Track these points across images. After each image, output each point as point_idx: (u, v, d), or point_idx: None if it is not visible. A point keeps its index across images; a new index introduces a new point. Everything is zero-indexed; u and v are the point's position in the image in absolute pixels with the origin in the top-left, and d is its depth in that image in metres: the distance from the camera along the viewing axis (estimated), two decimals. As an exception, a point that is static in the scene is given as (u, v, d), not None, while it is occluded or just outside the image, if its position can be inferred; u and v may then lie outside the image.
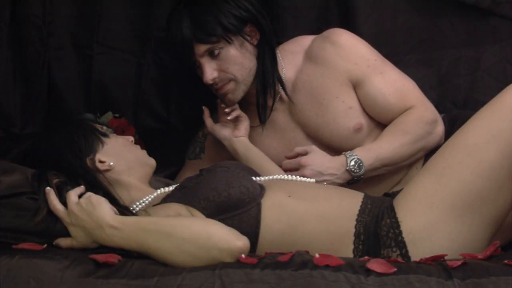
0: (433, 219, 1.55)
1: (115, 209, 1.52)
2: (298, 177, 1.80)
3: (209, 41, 1.96)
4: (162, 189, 1.74)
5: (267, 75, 2.02)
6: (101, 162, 1.73)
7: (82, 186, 1.58)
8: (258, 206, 1.61)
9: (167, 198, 1.64)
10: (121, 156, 1.76)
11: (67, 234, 1.52)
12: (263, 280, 1.34)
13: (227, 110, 2.04)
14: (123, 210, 1.56)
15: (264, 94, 2.03)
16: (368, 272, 1.36)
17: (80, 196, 1.54)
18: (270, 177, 1.79)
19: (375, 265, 1.37)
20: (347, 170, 1.91)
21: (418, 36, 2.30)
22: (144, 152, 1.83)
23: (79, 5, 2.26)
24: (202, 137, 2.19)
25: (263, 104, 2.04)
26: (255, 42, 2.02)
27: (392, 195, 1.81)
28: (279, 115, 2.08)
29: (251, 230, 1.58)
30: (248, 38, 2.00)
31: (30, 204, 1.55)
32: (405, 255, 1.55)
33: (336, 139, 2.02)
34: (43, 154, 1.73)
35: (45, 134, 1.85)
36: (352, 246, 1.60)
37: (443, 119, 2.12)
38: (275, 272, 1.36)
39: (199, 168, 1.96)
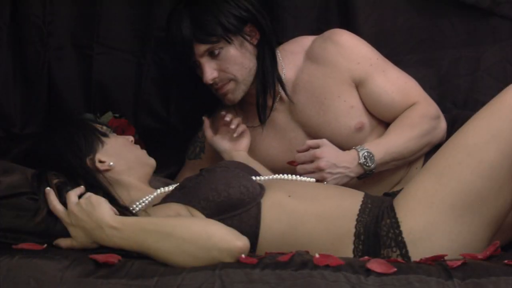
0: (433, 219, 1.55)
1: (115, 209, 1.52)
2: (298, 176, 1.80)
3: (209, 41, 1.96)
4: (162, 189, 1.74)
5: (267, 75, 2.02)
6: (101, 162, 1.73)
7: (82, 186, 1.58)
8: (258, 206, 1.61)
9: (167, 198, 1.64)
10: (121, 156, 1.76)
11: (67, 234, 1.52)
12: (263, 280, 1.34)
13: (232, 126, 2.02)
14: (123, 210, 1.56)
15: (264, 94, 2.03)
16: (368, 272, 1.36)
17: (80, 197, 1.54)
18: (270, 176, 1.79)
19: (375, 265, 1.37)
20: (359, 163, 1.90)
21: (418, 36, 2.30)
22: (144, 152, 1.83)
23: (79, 5, 2.26)
24: (202, 137, 2.18)
25: (263, 104, 2.04)
26: (255, 42, 2.02)
27: (392, 195, 1.81)
28: (279, 115, 2.08)
29: (251, 230, 1.58)
30: (248, 38, 2.00)
31: (30, 205, 1.54)
32: (405, 255, 1.55)
33: (337, 138, 2.01)
34: (43, 154, 1.73)
35: (45, 134, 1.84)
36: (352, 246, 1.60)
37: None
38: (275, 272, 1.36)
39: (199, 168, 1.97)
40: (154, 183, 1.85)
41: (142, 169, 1.78)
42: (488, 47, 2.27)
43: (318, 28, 2.22)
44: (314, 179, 1.83)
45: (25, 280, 1.37)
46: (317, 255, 1.40)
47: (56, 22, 2.25)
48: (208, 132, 2.09)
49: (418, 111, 2.00)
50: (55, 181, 1.59)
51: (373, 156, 1.91)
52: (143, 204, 1.69)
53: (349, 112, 2.02)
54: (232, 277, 1.35)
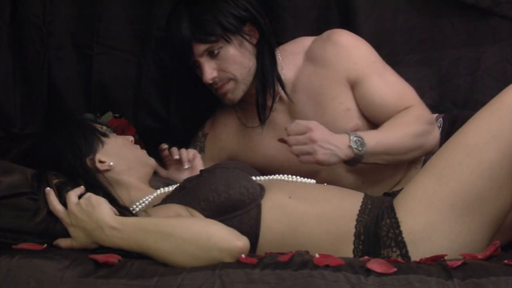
0: (433, 219, 1.55)
1: (115, 209, 1.51)
2: (298, 177, 1.80)
3: (208, 40, 1.96)
4: (162, 189, 1.74)
5: (266, 74, 2.02)
6: (101, 162, 1.73)
7: (82, 187, 1.58)
8: (258, 207, 1.61)
9: (167, 199, 1.64)
10: (121, 156, 1.76)
11: (67, 234, 1.52)
12: (263, 280, 1.34)
13: (176, 157, 2.00)
14: (123, 210, 1.56)
15: (263, 93, 2.03)
16: (368, 272, 1.36)
17: (80, 197, 1.54)
18: (270, 177, 1.79)
19: (375, 265, 1.37)
20: (349, 146, 1.86)
21: (418, 36, 2.30)
22: (144, 152, 1.84)
23: (79, 5, 2.26)
24: (202, 137, 2.19)
25: (263, 104, 2.04)
26: (254, 42, 2.02)
27: (392, 195, 1.81)
28: (279, 115, 2.08)
29: (251, 230, 1.58)
30: (247, 37, 2.00)
31: (30, 205, 1.54)
32: (405, 255, 1.55)
33: None
34: (43, 154, 1.73)
35: (45, 134, 1.85)
36: (352, 246, 1.60)
37: (443, 119, 2.12)
38: (275, 272, 1.36)
39: (199, 168, 1.97)
40: (154, 183, 1.85)
41: (142, 169, 1.78)
42: (488, 47, 2.27)
43: (318, 28, 2.22)
44: (314, 180, 1.82)
45: (25, 280, 1.37)
46: (317, 255, 1.40)
47: (56, 22, 2.24)
48: (161, 170, 2.05)
49: (414, 112, 1.98)
50: (55, 181, 1.59)
51: (364, 142, 1.87)
52: (143, 204, 1.69)
53: (345, 115, 2.01)
54: (232, 277, 1.35)
